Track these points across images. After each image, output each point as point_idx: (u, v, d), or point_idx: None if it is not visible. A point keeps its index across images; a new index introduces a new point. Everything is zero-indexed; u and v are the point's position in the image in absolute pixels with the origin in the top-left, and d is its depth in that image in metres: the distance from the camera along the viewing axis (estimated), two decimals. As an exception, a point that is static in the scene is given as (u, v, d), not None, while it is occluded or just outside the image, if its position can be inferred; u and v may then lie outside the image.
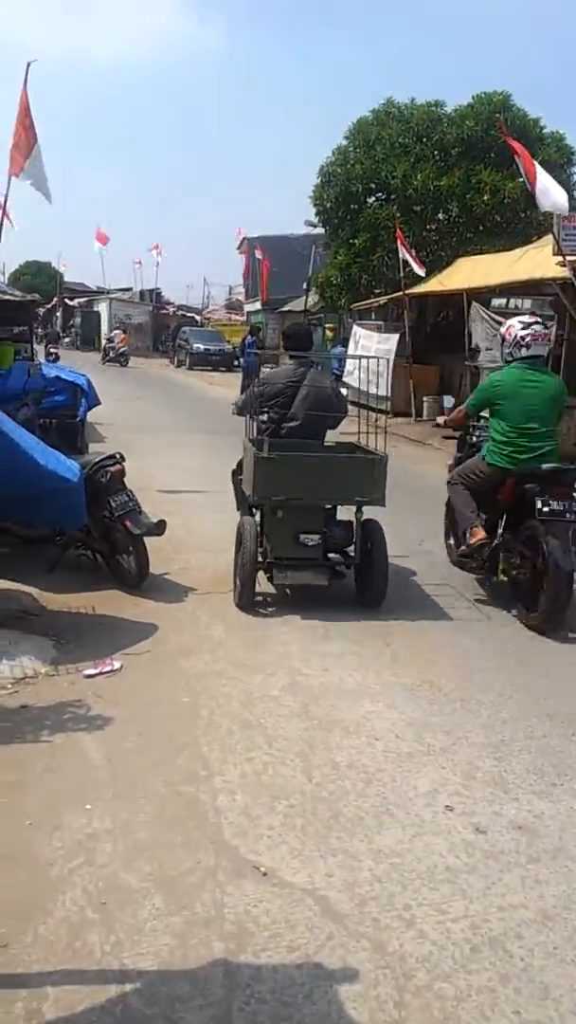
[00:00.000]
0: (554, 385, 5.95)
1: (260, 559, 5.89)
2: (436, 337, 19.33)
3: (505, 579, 6.05)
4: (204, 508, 8.96)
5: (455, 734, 4.10)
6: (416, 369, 17.66)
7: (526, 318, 6.17)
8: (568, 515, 5.45)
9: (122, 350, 33.53)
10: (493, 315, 14.47)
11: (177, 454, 12.57)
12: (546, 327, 6.26)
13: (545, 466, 5.63)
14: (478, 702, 4.50)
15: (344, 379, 20.62)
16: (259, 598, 5.95)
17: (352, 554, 6.10)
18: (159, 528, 6.12)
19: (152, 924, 2.72)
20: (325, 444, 6.67)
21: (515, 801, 3.56)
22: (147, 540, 6.10)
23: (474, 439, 7.08)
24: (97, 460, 6.07)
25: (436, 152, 20.50)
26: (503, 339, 6.15)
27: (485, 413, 6.33)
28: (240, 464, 6.64)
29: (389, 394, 18.25)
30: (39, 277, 64.42)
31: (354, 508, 6.05)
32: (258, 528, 6.00)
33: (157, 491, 9.36)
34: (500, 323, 14.04)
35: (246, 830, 3.24)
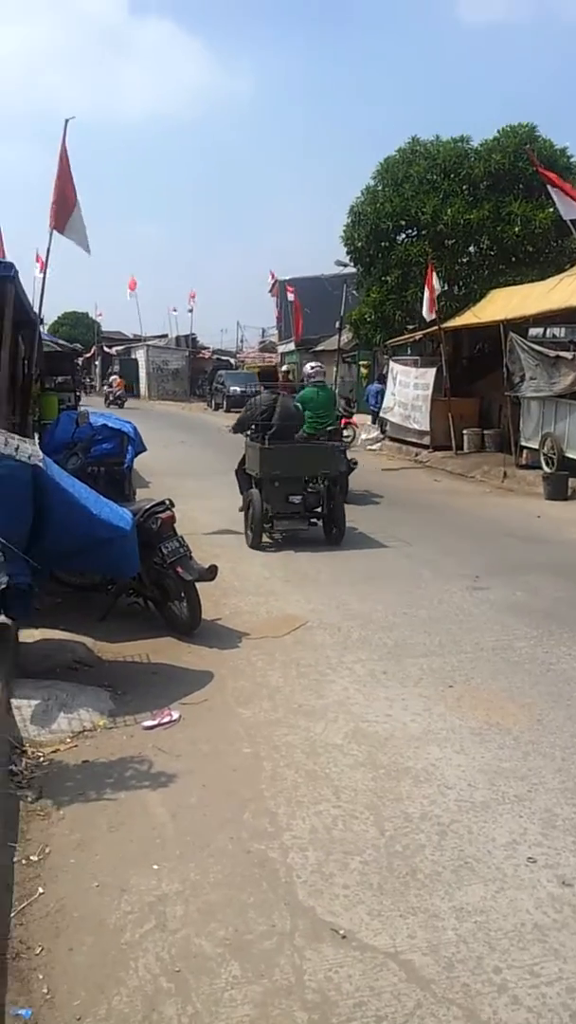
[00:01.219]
0: (329, 394, 11.02)
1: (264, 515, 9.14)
2: (473, 370, 19.25)
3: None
4: (249, 551, 8.91)
5: (530, 780, 3.94)
6: (455, 402, 17.55)
7: (312, 363, 12.34)
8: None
9: (119, 393, 36.83)
10: (532, 345, 14.35)
11: (220, 497, 12.53)
12: (323, 368, 11.75)
13: (329, 428, 10.52)
14: (550, 744, 4.33)
15: (383, 415, 20.64)
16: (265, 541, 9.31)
17: (320, 511, 9.55)
18: (211, 573, 6.07)
19: (230, 993, 2.60)
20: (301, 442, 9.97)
21: (600, 851, 3.39)
22: (198, 586, 6.05)
23: None
24: (147, 507, 6.05)
25: (464, 187, 20.51)
26: (305, 376, 11.33)
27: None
28: (242, 460, 10.02)
29: (429, 428, 18.20)
30: (77, 327, 65.65)
31: (321, 479, 9.41)
32: (260, 496, 9.15)
33: (202, 535, 9.34)
34: (541, 352, 13.96)
35: (320, 889, 3.12)
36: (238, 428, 9.98)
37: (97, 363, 53.50)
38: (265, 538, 9.36)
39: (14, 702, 4.58)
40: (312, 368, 11.32)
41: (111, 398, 36.39)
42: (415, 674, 5.34)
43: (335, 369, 30.13)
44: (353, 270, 25.31)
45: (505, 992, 2.60)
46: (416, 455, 18.47)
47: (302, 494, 9.34)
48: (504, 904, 3.03)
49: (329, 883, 3.16)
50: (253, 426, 9.54)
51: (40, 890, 3.12)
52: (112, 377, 40.25)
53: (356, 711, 4.76)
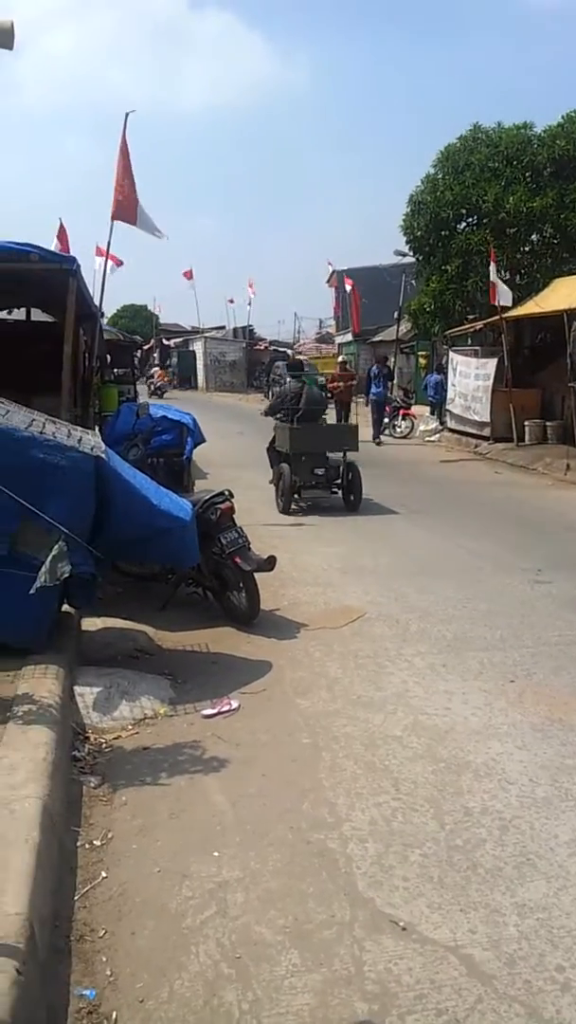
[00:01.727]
0: (313, 380, 11.74)
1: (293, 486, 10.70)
2: (535, 360, 18.91)
3: None
4: (308, 542, 8.93)
5: (594, 777, 3.87)
6: (516, 393, 17.27)
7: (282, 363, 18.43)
8: None
9: (160, 384, 39.79)
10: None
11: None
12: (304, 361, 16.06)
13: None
14: (614, 742, 4.25)
15: (447, 406, 20.44)
16: (294, 507, 10.91)
17: (340, 482, 11.14)
18: (269, 564, 6.09)
19: (290, 981, 2.61)
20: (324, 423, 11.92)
21: None
22: (257, 576, 6.08)
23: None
24: (207, 498, 6.09)
25: (527, 174, 20.11)
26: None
27: None
28: (273, 440, 11.61)
29: (489, 420, 17.96)
30: (136, 320, 66.31)
31: (341, 454, 11.16)
32: (290, 469, 10.67)
33: (261, 525, 9.37)
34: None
35: (380, 881, 3.11)
36: (270, 412, 11.80)
37: (156, 355, 53.99)
38: (293, 505, 10.97)
39: (77, 689, 4.66)
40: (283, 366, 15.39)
41: (151, 388, 38.56)
42: (475, 668, 5.28)
43: (393, 359, 29.95)
44: (412, 260, 25.05)
45: (569, 991, 2.56)
46: (476, 447, 18.24)
47: (325, 467, 11.01)
48: (567, 902, 2.98)
49: (389, 875, 3.15)
50: (282, 412, 11.23)
51: (103, 874, 3.17)
52: (153, 369, 43.05)
53: (415, 704, 4.73)
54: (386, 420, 21.03)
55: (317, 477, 10.96)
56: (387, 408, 21.15)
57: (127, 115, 9.33)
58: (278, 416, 11.37)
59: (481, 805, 3.64)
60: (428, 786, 3.80)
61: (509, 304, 17.48)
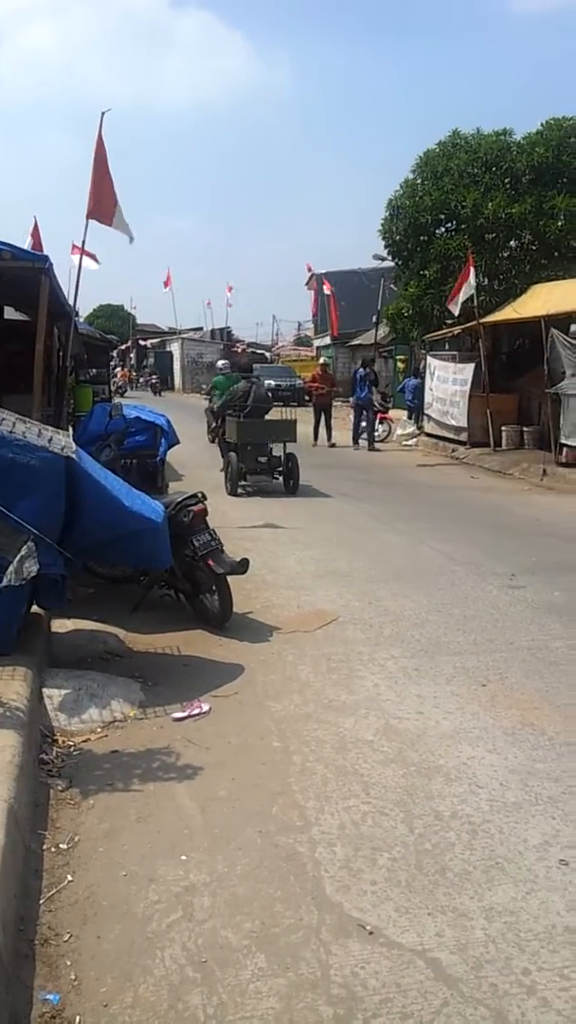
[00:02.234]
0: (232, 380, 13.82)
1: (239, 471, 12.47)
2: (512, 366, 19.03)
3: None
4: (282, 545, 8.90)
5: (564, 782, 3.87)
6: (493, 398, 17.37)
7: (221, 361, 18.80)
8: None
9: (121, 384, 40.65)
10: (574, 341, 14.16)
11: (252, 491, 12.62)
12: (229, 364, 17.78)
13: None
14: (584, 746, 4.26)
15: (427, 411, 20.45)
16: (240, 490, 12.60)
17: (281, 469, 12.77)
18: (242, 567, 6.06)
19: (255, 985, 2.59)
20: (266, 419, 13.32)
21: None
22: (230, 579, 6.05)
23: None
24: (179, 500, 6.06)
25: (506, 180, 20.23)
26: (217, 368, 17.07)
27: None
28: (215, 430, 14.87)
29: (467, 425, 18.04)
30: (112, 320, 66.16)
31: (282, 445, 12.89)
32: (236, 457, 12.47)
33: (235, 528, 9.35)
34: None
35: (348, 885, 3.09)
36: (221, 408, 13.61)
37: (132, 356, 53.79)
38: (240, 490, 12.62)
39: (45, 691, 4.62)
40: (221, 363, 19.90)
41: (113, 387, 39.27)
42: (448, 672, 5.29)
43: (373, 364, 30.00)
44: (391, 264, 25.15)
45: (534, 994, 2.56)
46: (453, 451, 18.32)
47: (268, 456, 12.88)
48: (535, 905, 2.98)
49: (357, 879, 3.13)
50: (232, 409, 12.91)
51: (69, 878, 3.13)
52: (116, 369, 43.65)
53: (387, 708, 4.72)
54: (370, 425, 20.26)
55: (260, 464, 12.77)
56: (376, 415, 20.56)
57: (103, 114, 9.24)
58: (228, 412, 13.01)
59: (451, 809, 3.64)
60: (398, 790, 3.80)
61: (456, 312, 17.72)
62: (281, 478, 12.82)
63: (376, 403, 21.25)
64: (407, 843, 3.37)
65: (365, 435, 19.88)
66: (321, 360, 23.83)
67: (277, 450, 13.00)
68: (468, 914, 2.93)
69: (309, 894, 3.04)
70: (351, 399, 21.39)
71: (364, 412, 20.11)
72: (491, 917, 2.91)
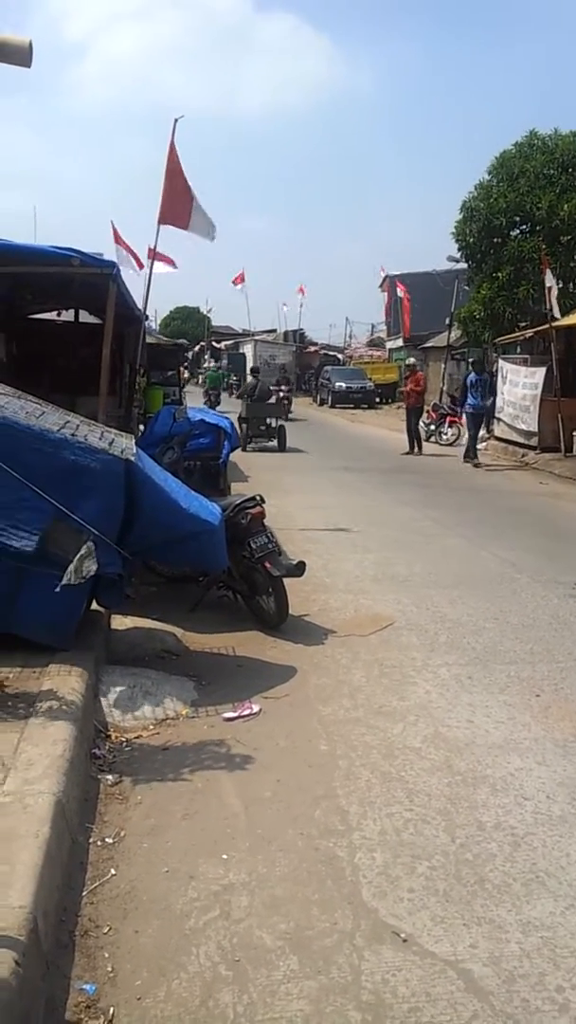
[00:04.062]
0: (220, 375, 32.84)
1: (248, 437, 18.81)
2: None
3: None
4: (343, 548, 8.91)
5: (612, 797, 3.81)
6: (565, 403, 17.03)
7: (216, 363, 39.25)
8: None
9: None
10: None
11: (317, 493, 12.64)
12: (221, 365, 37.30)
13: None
14: None
15: (497, 415, 19.99)
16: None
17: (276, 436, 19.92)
18: (299, 569, 6.11)
19: (287, 987, 2.62)
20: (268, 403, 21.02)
21: None
22: (287, 581, 6.10)
23: None
24: (238, 502, 6.13)
25: (584, 181, 19.94)
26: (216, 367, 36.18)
27: None
28: (240, 414, 19.90)
29: (537, 429, 17.74)
30: (188, 322, 67.02)
31: (274, 419, 20.18)
32: (246, 426, 19.40)
33: (298, 530, 9.41)
34: None
35: (385, 891, 3.11)
36: (239, 395, 21.64)
37: (207, 357, 54.40)
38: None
39: (101, 687, 4.74)
40: (216, 364, 34.39)
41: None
42: (502, 681, 5.24)
43: (443, 366, 29.68)
44: (465, 266, 24.91)
45: (567, 1012, 2.53)
46: (523, 456, 18.03)
47: (265, 426, 19.89)
48: (574, 922, 2.95)
49: (395, 886, 3.14)
50: (246, 396, 20.33)
51: (112, 872, 3.22)
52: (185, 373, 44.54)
53: (437, 715, 4.71)
54: (473, 440, 18.07)
55: (260, 431, 19.80)
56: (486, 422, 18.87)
57: (175, 120, 9.43)
58: (242, 397, 20.57)
59: (495, 820, 3.61)
60: (442, 798, 3.79)
61: (558, 316, 17.27)
62: (275, 441, 19.69)
63: (445, 406, 20.90)
64: (447, 852, 3.37)
65: (432, 437, 19.46)
66: (409, 361, 22.55)
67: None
68: (504, 927, 2.91)
69: (346, 899, 3.06)
70: (461, 408, 19.58)
71: (479, 421, 18.23)
72: (527, 931, 2.89)
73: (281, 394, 26.28)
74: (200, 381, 23.02)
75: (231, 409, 21.90)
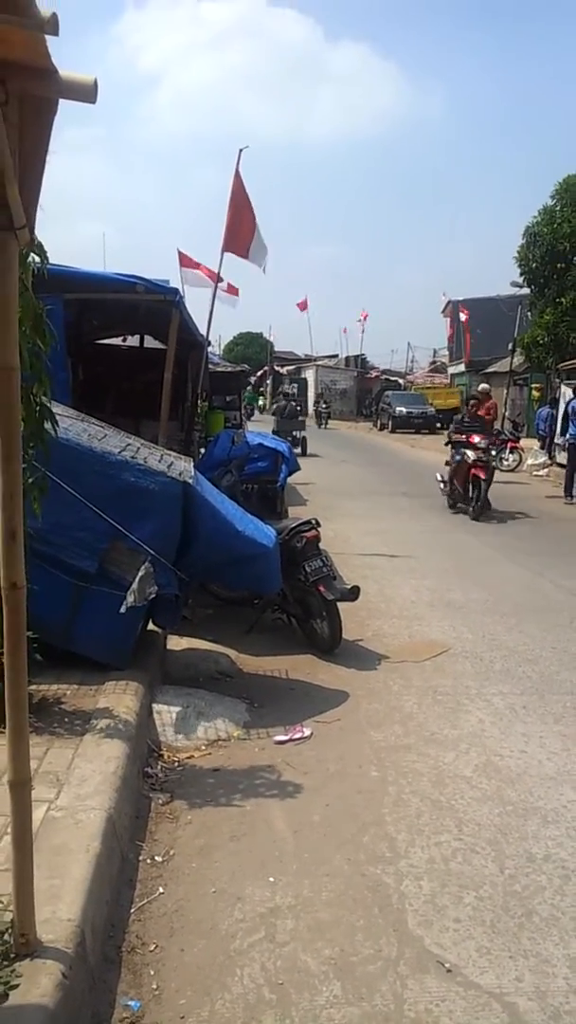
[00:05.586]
0: (252, 395, 38.65)
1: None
2: None
3: None
4: (399, 574, 8.88)
5: None
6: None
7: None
8: None
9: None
10: None
11: (375, 518, 12.62)
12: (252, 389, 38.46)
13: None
14: None
15: (556, 440, 19.65)
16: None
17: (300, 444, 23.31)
18: (353, 594, 6.12)
19: (328, 1012, 2.62)
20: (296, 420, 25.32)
21: None
22: (341, 605, 6.12)
23: None
24: (293, 526, 6.18)
25: None
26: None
27: None
28: (273, 428, 22.70)
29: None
30: (251, 347, 67.73)
31: (298, 431, 24.34)
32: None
33: (356, 555, 9.41)
34: None
35: (431, 920, 3.09)
36: (273, 414, 26.16)
37: (268, 382, 54.89)
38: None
39: (155, 707, 4.81)
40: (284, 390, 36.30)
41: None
42: (557, 711, 5.16)
43: (505, 391, 29.41)
44: (528, 291, 24.77)
45: (614, 1051, 2.48)
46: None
47: (291, 437, 21.58)
48: (624, 959, 2.89)
49: (441, 915, 3.12)
50: (279, 415, 24.67)
51: (160, 890, 3.26)
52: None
53: (490, 744, 4.66)
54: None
55: (292, 438, 21.49)
56: (508, 443, 18.82)
57: (240, 151, 9.65)
58: (275, 414, 25.33)
59: (545, 852, 3.56)
60: (492, 828, 3.75)
61: None
62: (300, 448, 22.46)
63: (507, 432, 20.51)
64: (496, 883, 3.33)
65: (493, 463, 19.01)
66: (483, 387, 21.64)
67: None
68: (551, 960, 2.87)
69: (391, 926, 3.05)
70: (563, 438, 17.82)
71: None
72: (575, 966, 2.84)
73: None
74: (273, 410, 27.63)
75: (262, 420, 28.23)
